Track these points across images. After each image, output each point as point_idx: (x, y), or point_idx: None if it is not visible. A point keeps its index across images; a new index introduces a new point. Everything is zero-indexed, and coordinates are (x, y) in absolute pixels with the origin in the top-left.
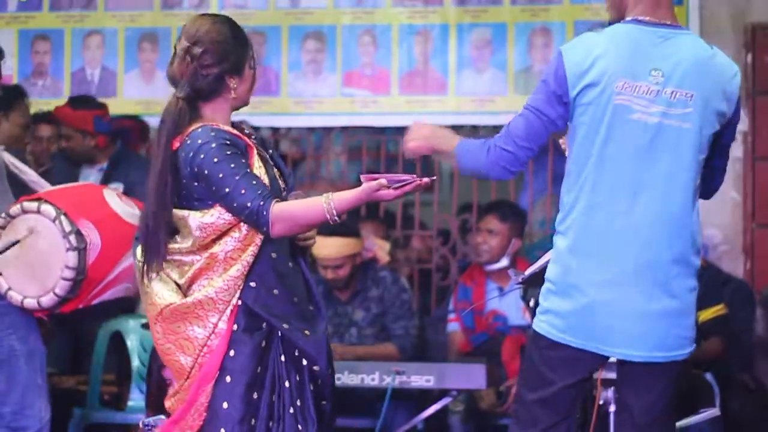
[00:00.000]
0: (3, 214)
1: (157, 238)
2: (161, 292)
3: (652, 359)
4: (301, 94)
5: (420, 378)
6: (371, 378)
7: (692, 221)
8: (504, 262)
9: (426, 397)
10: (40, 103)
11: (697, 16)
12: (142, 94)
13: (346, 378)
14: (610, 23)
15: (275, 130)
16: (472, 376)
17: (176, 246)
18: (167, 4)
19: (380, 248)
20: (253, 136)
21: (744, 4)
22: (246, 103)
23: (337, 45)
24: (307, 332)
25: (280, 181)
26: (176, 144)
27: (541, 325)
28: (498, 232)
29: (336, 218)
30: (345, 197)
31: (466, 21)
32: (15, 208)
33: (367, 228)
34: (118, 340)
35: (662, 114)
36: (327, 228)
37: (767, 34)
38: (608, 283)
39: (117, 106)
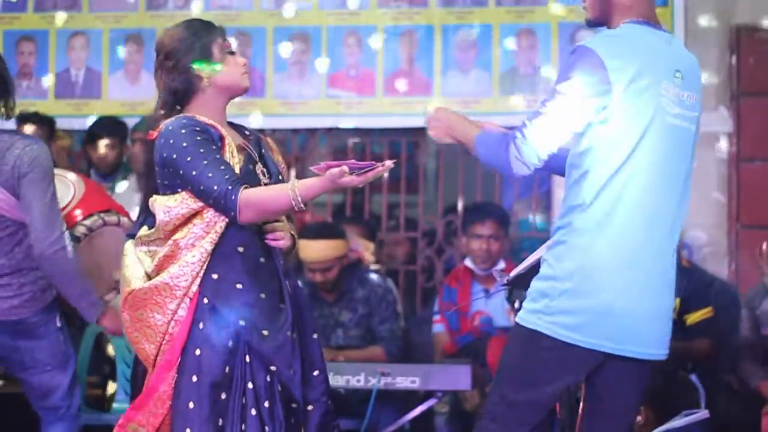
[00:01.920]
0: (83, 228)
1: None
2: (131, 280)
3: (656, 357)
4: (286, 95)
5: (405, 379)
6: (356, 379)
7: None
8: (501, 264)
9: (411, 398)
10: (25, 103)
11: (682, 17)
12: (127, 95)
13: (331, 379)
14: (588, 23)
15: (260, 132)
16: (458, 378)
17: (146, 234)
18: (152, 6)
19: (365, 249)
20: (250, 135)
21: (729, 5)
22: (240, 88)
23: (322, 46)
24: (265, 332)
25: (264, 178)
26: (154, 134)
27: (548, 326)
28: (498, 237)
29: (302, 205)
30: (310, 184)
31: (451, 22)
32: (95, 221)
33: (352, 230)
34: (103, 342)
35: (681, 117)
36: (313, 231)
37: (752, 36)
38: (629, 283)
39: (101, 107)
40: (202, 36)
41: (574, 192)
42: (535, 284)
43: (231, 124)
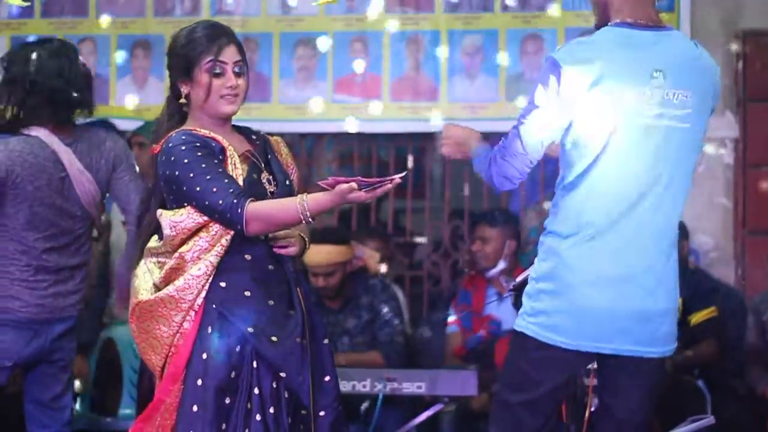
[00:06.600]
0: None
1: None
2: (139, 290)
3: (653, 354)
4: (293, 100)
5: (411, 385)
6: (362, 385)
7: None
8: (501, 265)
9: (417, 402)
10: None
11: (688, 22)
12: (134, 100)
13: None
14: (596, 27)
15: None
16: (464, 383)
17: (155, 245)
18: (159, 11)
19: (370, 257)
20: (257, 140)
21: (735, 10)
22: (218, 113)
23: (328, 52)
24: (274, 338)
25: (269, 186)
26: (157, 148)
27: (530, 326)
28: (490, 238)
29: (310, 220)
30: (319, 199)
31: (457, 27)
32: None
33: (366, 241)
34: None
35: (665, 116)
36: (317, 236)
37: (758, 41)
38: (603, 282)
39: (108, 112)
40: (191, 50)
41: (556, 196)
42: (526, 288)
43: (237, 128)
